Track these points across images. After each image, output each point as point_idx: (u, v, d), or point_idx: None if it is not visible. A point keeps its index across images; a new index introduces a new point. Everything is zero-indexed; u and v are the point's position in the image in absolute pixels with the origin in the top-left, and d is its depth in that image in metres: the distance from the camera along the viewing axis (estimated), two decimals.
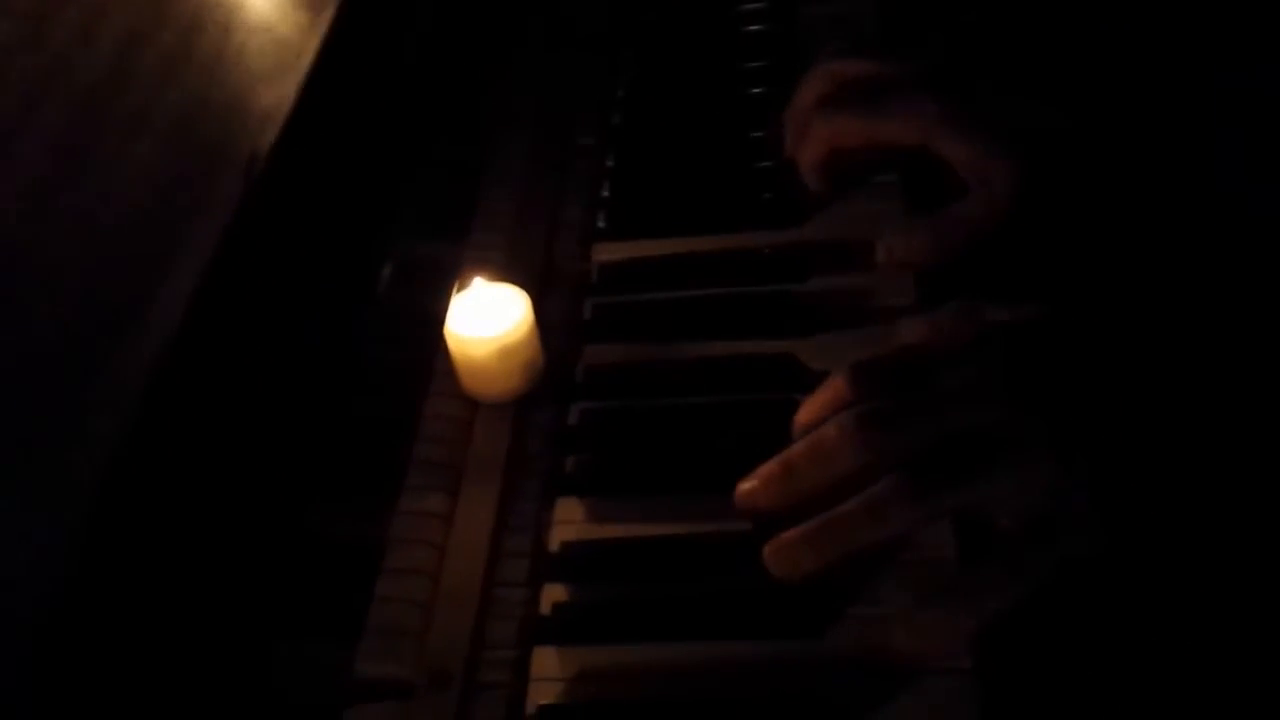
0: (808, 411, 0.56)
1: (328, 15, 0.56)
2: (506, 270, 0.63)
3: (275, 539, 0.48)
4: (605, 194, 0.75)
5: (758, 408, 0.61)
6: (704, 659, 0.52)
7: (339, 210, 0.55)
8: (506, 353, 0.61)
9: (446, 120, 0.70)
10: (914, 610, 0.50)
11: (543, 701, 0.51)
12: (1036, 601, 0.47)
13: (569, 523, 0.58)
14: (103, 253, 0.46)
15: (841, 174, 0.69)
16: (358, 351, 0.56)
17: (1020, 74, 0.64)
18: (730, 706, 0.50)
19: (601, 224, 0.73)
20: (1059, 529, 0.48)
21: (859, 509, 0.51)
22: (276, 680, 0.48)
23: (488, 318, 0.61)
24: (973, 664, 0.49)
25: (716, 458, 0.58)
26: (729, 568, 0.55)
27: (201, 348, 0.44)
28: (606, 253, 0.71)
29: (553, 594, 0.55)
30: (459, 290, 0.62)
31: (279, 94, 0.52)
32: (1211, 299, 0.54)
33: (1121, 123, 0.61)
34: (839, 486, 0.51)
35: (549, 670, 0.52)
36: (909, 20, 0.79)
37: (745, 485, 0.54)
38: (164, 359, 0.42)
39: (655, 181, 0.75)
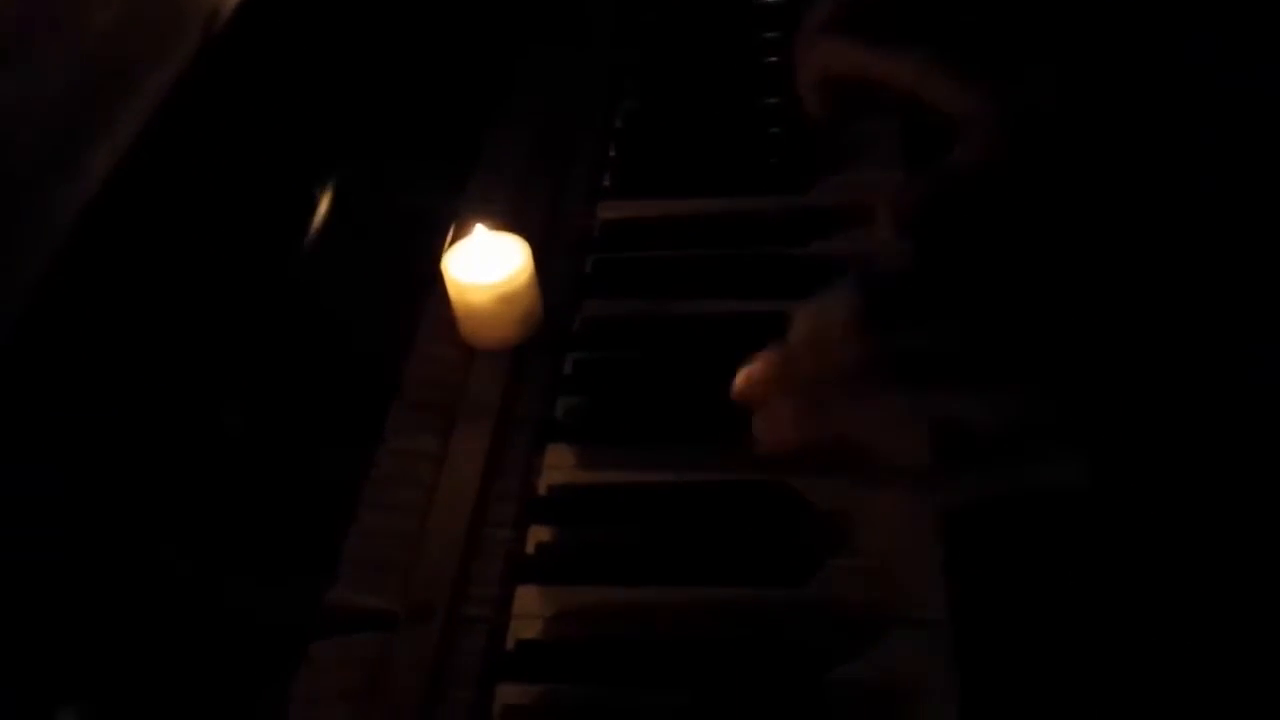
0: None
1: None
2: (509, 220, 0.64)
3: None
4: (612, 153, 0.75)
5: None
6: (685, 603, 0.52)
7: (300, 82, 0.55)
8: (505, 300, 0.61)
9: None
10: None
11: (524, 636, 0.52)
12: (1009, 553, 0.47)
13: (558, 468, 0.58)
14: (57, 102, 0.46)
15: (843, 102, 0.68)
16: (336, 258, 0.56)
17: (1020, 31, 0.64)
18: (708, 649, 0.50)
19: (607, 182, 0.73)
20: (1038, 451, 0.48)
21: (841, 384, 0.50)
22: (244, 605, 0.48)
23: (488, 265, 0.61)
24: (946, 615, 0.50)
25: (705, 410, 0.58)
26: (713, 516, 0.55)
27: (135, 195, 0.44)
28: (611, 210, 0.72)
29: (538, 535, 0.56)
30: (460, 237, 0.63)
31: None
32: (1198, 271, 0.53)
33: (1117, 97, 0.61)
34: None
35: (531, 608, 0.53)
36: None
37: (742, 378, 0.51)
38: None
39: (663, 142, 0.76)
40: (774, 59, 0.80)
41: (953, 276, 0.54)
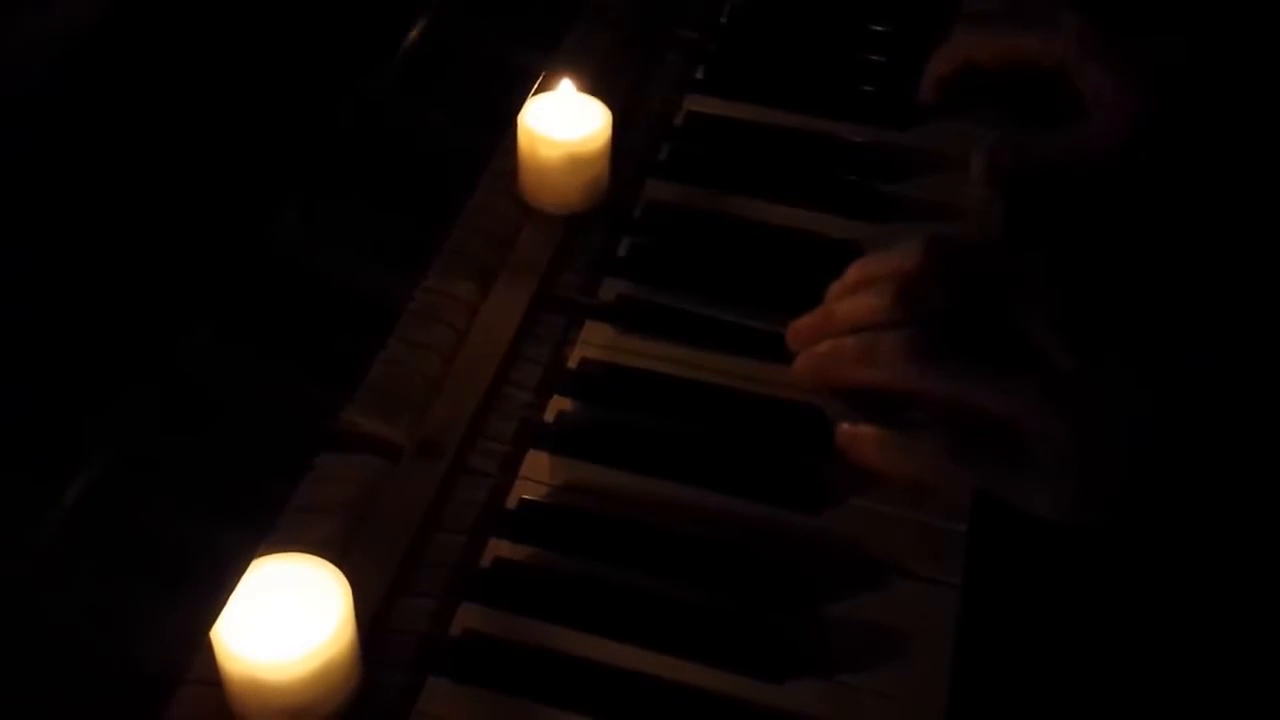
0: (861, 270, 0.55)
1: None
2: (596, 83, 0.61)
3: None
4: (712, 46, 0.73)
5: (805, 290, 0.59)
6: (693, 502, 0.51)
7: None
8: (575, 161, 0.59)
9: None
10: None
11: (526, 497, 0.50)
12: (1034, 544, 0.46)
13: (592, 344, 0.57)
14: None
15: (956, 95, 0.67)
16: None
17: (1162, 18, 0.62)
18: (704, 549, 0.49)
19: (700, 75, 0.71)
20: (1039, 470, 0.47)
21: (860, 343, 0.52)
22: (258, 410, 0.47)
23: (566, 122, 0.59)
24: (960, 581, 0.49)
25: (752, 319, 0.57)
26: (740, 425, 0.54)
27: None
28: (699, 104, 0.69)
29: (559, 405, 0.54)
30: (545, 90, 0.60)
31: None
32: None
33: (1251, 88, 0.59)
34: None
35: (539, 473, 0.52)
36: None
37: (797, 323, 0.56)
38: None
39: (765, 48, 0.73)
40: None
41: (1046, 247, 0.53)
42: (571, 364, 0.56)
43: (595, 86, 0.61)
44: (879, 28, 0.73)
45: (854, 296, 0.54)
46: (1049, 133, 0.62)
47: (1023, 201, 0.62)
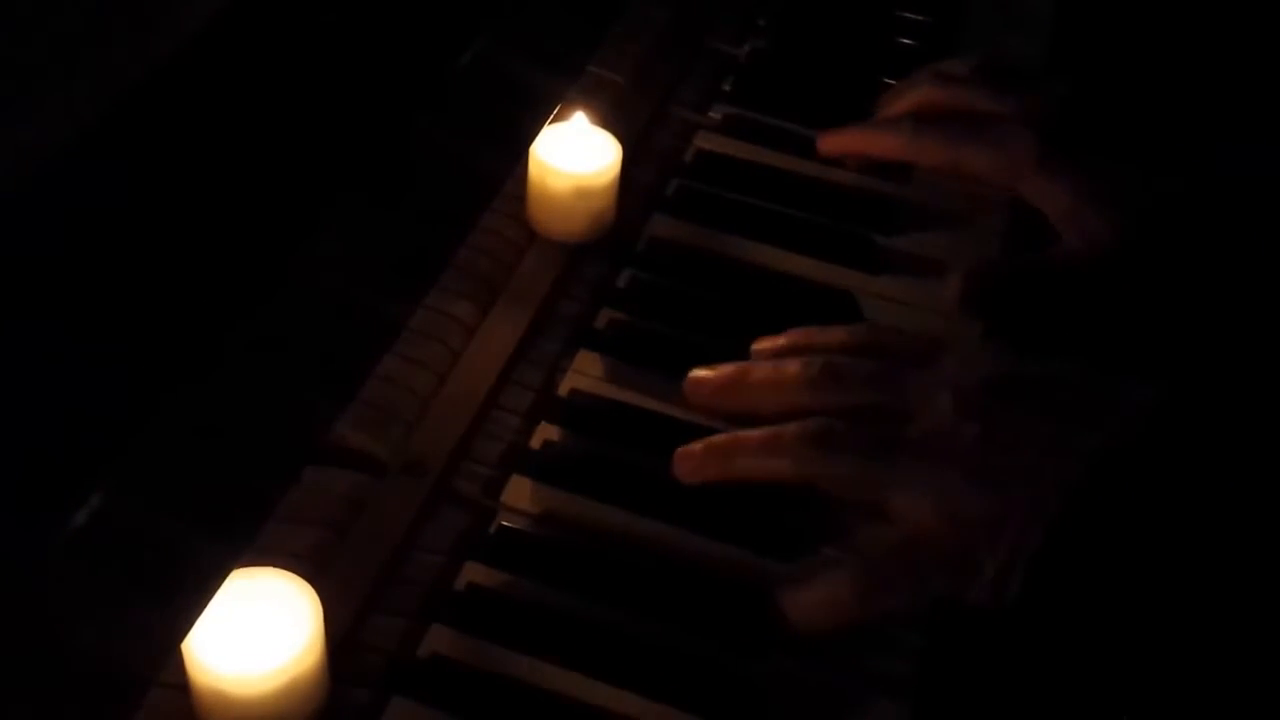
0: (799, 336, 0.56)
1: None
2: (609, 117, 0.62)
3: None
4: (727, 87, 0.73)
5: None
6: (670, 541, 0.51)
7: None
8: (583, 194, 0.60)
9: None
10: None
11: (506, 524, 0.51)
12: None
13: (584, 374, 0.57)
14: None
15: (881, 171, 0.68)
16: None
17: (1127, 135, 0.62)
18: (682, 592, 0.50)
19: (714, 113, 0.72)
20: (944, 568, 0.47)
21: (764, 437, 0.51)
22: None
23: (576, 154, 0.60)
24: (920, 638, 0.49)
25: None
26: None
27: None
28: (710, 142, 0.70)
29: (546, 433, 0.55)
30: (558, 119, 0.61)
31: None
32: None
33: (1226, 202, 0.59)
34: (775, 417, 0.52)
35: (520, 500, 0.52)
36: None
37: (700, 373, 0.55)
38: None
39: (780, 92, 0.74)
40: (909, 42, 0.79)
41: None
42: (561, 393, 0.57)
43: (608, 119, 0.62)
44: (893, 81, 0.73)
45: (777, 362, 0.54)
46: (1024, 255, 0.62)
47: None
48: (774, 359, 0.55)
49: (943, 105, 0.65)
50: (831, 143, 0.68)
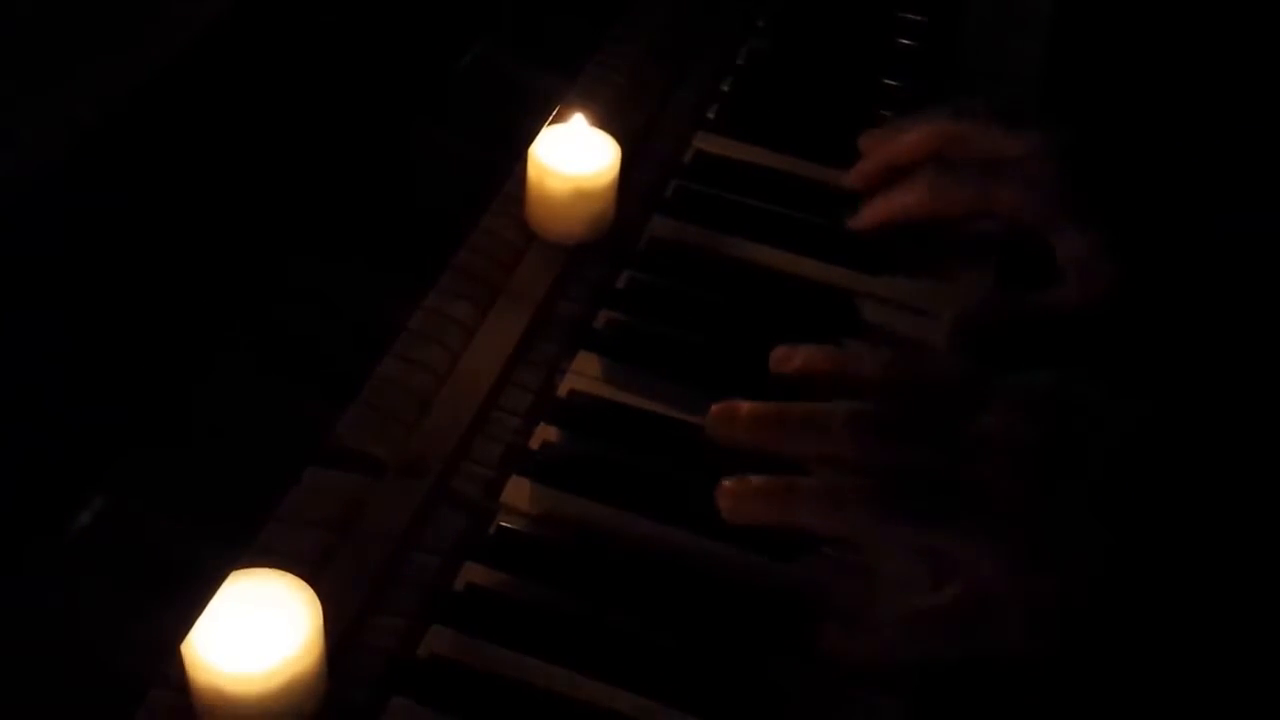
0: (825, 360, 0.54)
1: None
2: (608, 119, 0.62)
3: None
4: (726, 88, 0.74)
5: (796, 333, 0.60)
6: (666, 541, 0.52)
7: None
8: (582, 196, 0.60)
9: None
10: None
11: (506, 524, 0.51)
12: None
13: (582, 375, 0.58)
14: None
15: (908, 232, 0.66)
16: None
17: (1139, 182, 0.61)
18: (680, 591, 0.50)
19: (713, 114, 0.72)
20: (988, 622, 0.47)
21: (823, 490, 0.49)
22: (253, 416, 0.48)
23: (575, 156, 0.60)
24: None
25: (740, 365, 0.57)
26: (719, 467, 0.54)
27: None
28: (709, 143, 0.70)
29: (545, 434, 0.55)
30: (557, 122, 0.61)
31: None
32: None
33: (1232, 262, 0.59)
34: (809, 459, 0.51)
35: (519, 500, 0.52)
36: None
37: (732, 405, 0.52)
38: None
39: (780, 93, 0.74)
40: (908, 42, 0.79)
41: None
42: (560, 393, 0.57)
43: (607, 121, 0.62)
44: (892, 82, 0.73)
45: (815, 407, 0.52)
46: (1023, 294, 0.61)
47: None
48: (809, 404, 0.52)
49: (958, 141, 0.64)
50: (866, 220, 0.66)
